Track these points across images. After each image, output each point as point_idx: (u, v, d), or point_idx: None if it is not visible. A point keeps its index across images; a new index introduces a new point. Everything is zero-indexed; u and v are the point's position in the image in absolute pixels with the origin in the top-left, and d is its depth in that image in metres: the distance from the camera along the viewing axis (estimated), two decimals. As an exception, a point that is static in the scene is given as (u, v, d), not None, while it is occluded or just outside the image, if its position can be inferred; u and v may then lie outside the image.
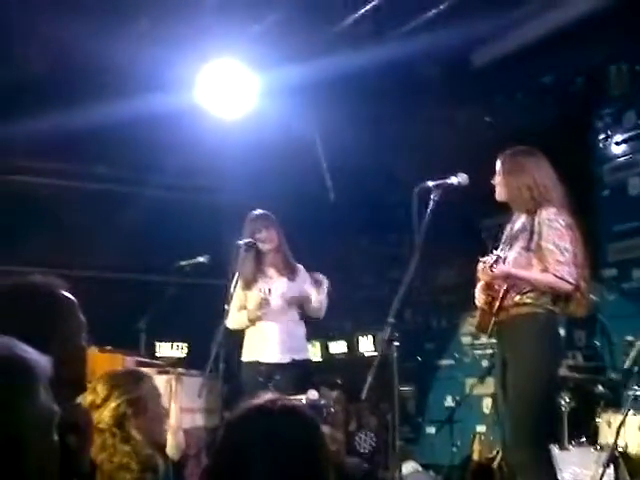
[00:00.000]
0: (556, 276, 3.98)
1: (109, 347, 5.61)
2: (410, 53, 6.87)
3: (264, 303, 5.58)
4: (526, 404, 3.96)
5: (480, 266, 4.13)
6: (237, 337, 5.66)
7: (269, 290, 5.64)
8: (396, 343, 3.84)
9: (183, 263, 6.08)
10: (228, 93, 6.79)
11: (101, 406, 3.28)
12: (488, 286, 4.17)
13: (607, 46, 6.48)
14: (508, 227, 4.36)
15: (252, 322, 5.64)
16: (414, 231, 3.95)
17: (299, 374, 5.58)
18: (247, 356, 5.67)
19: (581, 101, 6.70)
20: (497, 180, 4.31)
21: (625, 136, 6.36)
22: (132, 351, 5.91)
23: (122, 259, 8.00)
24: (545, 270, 4.02)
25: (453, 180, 4.11)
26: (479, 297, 4.25)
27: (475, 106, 7.61)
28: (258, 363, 5.60)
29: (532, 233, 4.07)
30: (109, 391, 3.31)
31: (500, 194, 4.31)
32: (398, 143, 8.27)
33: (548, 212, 4.08)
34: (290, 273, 5.75)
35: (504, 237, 4.33)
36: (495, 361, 4.41)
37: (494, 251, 4.18)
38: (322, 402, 4.93)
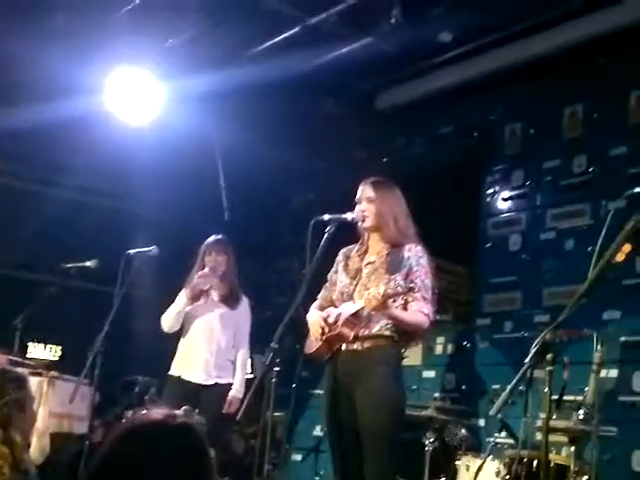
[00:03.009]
0: (423, 313, 4.04)
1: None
2: (318, 85, 7.04)
3: (202, 295, 5.76)
4: (381, 439, 3.95)
5: (341, 317, 4.07)
6: (114, 346, 5.60)
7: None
8: (276, 368, 3.91)
9: (69, 265, 6.00)
10: (134, 99, 6.75)
11: None
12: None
13: (504, 106, 6.80)
14: (354, 257, 4.34)
15: (191, 301, 5.73)
16: (305, 260, 4.05)
17: (219, 397, 5.64)
18: (173, 369, 5.73)
19: (475, 155, 6.95)
20: (365, 207, 4.23)
21: (512, 194, 6.58)
22: (4, 349, 5.77)
23: (8, 255, 7.76)
24: (405, 305, 4.06)
25: (348, 215, 4.19)
26: (316, 327, 4.17)
27: (375, 146, 7.83)
28: (180, 379, 5.66)
29: (405, 267, 4.08)
30: None
31: (370, 221, 4.23)
32: (295, 170, 8.38)
33: (417, 248, 4.15)
34: (231, 303, 5.87)
35: (350, 267, 4.30)
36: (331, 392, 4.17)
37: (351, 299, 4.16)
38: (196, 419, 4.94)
